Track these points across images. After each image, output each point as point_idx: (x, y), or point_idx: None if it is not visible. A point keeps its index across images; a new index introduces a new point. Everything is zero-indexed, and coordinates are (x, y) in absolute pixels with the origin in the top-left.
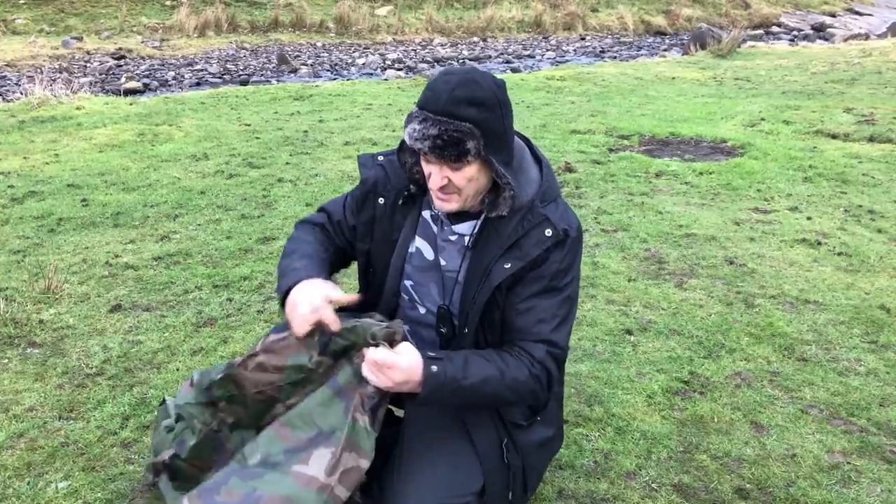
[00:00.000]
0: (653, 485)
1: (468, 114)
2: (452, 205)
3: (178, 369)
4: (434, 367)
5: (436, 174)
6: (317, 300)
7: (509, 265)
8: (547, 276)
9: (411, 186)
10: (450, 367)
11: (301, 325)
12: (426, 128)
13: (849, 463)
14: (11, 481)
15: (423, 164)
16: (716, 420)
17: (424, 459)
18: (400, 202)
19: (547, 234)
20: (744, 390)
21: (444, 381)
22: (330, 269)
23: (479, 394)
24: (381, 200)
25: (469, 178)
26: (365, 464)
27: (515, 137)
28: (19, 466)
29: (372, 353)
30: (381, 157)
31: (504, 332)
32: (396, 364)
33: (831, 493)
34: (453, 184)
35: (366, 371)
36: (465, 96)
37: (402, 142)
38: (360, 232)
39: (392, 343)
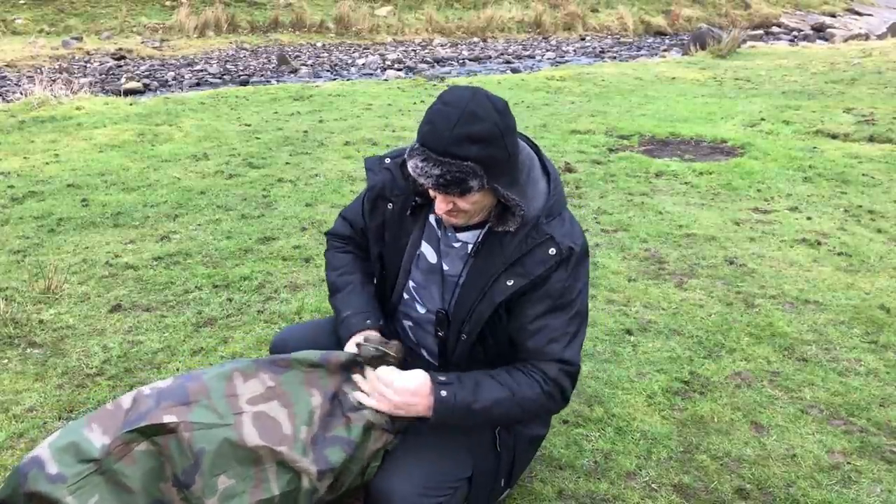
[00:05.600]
0: (653, 485)
1: (470, 152)
2: (458, 221)
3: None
4: (444, 392)
5: (440, 201)
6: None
7: (511, 282)
8: (553, 296)
9: (417, 199)
10: (460, 392)
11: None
12: (428, 167)
13: (849, 463)
14: None
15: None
16: (716, 420)
17: (411, 449)
18: (408, 213)
19: (550, 252)
20: (744, 390)
21: (455, 405)
22: (373, 288)
23: (491, 415)
24: (389, 206)
25: (474, 202)
26: (285, 424)
27: (526, 147)
28: None
29: (372, 372)
30: (387, 161)
31: (517, 352)
32: (394, 383)
33: (831, 494)
34: (458, 207)
35: (361, 396)
36: (467, 134)
37: (406, 154)
38: (373, 235)
39: (382, 362)
